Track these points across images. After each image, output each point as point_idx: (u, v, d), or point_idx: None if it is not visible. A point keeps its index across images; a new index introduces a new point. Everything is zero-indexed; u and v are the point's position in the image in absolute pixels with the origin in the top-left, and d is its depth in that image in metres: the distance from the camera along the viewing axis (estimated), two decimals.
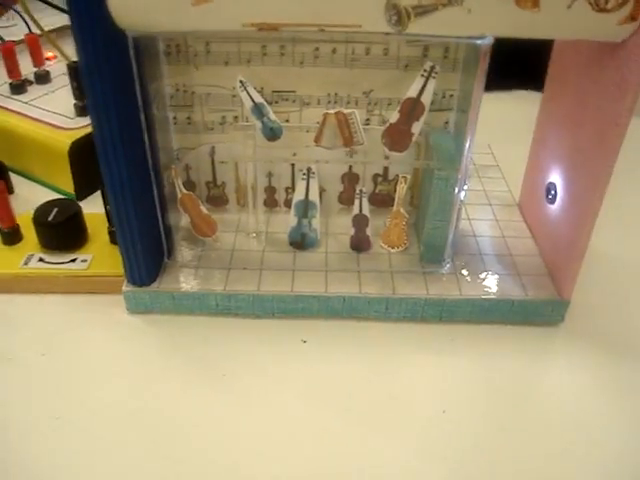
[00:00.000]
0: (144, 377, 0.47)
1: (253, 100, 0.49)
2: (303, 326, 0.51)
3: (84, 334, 0.50)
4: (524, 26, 0.38)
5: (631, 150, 0.45)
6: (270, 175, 0.56)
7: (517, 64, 0.81)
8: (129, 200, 0.47)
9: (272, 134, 0.50)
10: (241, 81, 0.48)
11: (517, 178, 0.61)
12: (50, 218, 0.53)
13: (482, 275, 0.52)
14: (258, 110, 0.49)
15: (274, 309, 0.51)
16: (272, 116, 0.49)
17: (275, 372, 0.47)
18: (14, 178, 0.67)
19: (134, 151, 0.46)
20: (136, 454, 0.41)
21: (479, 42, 0.41)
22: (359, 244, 0.54)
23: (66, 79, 0.70)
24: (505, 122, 0.76)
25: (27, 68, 0.75)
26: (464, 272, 0.53)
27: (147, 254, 0.50)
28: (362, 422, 0.44)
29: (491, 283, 0.52)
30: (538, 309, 0.51)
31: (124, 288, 0.51)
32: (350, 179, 0.56)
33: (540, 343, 0.50)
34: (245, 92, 0.48)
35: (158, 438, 0.42)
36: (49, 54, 0.79)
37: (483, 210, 0.60)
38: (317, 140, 0.49)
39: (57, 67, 0.77)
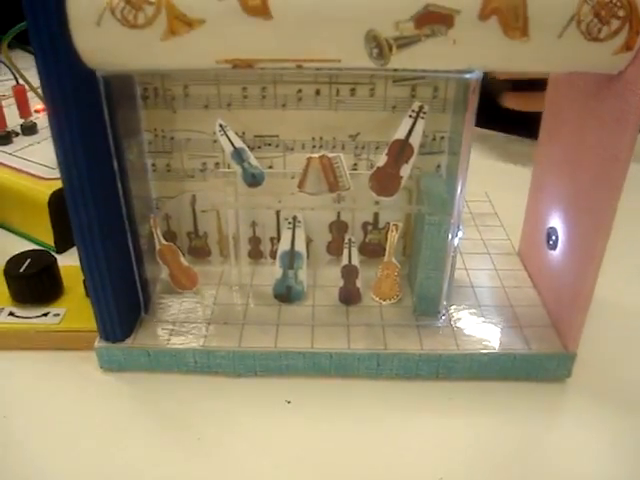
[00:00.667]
0: (114, 440, 0.43)
1: (233, 144, 0.46)
2: (288, 385, 0.47)
3: (52, 393, 0.46)
4: (513, 57, 0.36)
5: (633, 194, 0.42)
6: (254, 225, 0.54)
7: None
8: (100, 251, 0.44)
9: (253, 180, 0.47)
10: (220, 125, 0.46)
11: (516, 226, 0.58)
12: (22, 270, 0.50)
13: (481, 328, 0.49)
14: (238, 155, 0.46)
15: (256, 367, 0.47)
16: (253, 161, 0.47)
17: (256, 436, 0.43)
18: None
19: (106, 200, 0.44)
20: None
21: (467, 76, 0.39)
22: (348, 296, 0.51)
23: None
24: (503, 169, 0.74)
25: (15, 120, 0.74)
26: (461, 325, 0.49)
27: (121, 308, 0.47)
28: None
29: (491, 336, 0.48)
30: (542, 363, 0.47)
31: (96, 344, 0.48)
32: (338, 228, 0.53)
33: (546, 401, 0.46)
34: (225, 136, 0.46)
35: None
36: (38, 106, 0.78)
37: (481, 259, 0.57)
38: (300, 185, 0.46)
39: (45, 119, 0.75)
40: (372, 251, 0.54)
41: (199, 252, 0.55)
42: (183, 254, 0.51)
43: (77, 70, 0.38)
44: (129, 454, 0.42)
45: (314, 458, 0.42)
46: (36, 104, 0.77)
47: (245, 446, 0.42)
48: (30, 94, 0.74)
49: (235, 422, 0.44)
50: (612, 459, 0.42)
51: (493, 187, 0.69)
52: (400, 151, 0.44)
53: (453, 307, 0.51)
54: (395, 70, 0.38)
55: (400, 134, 0.44)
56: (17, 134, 0.73)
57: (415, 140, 0.44)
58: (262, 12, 0.35)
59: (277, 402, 0.46)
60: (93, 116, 0.41)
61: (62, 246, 0.62)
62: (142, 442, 0.43)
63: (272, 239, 0.54)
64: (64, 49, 0.36)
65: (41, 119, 0.76)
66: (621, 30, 0.35)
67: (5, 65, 0.83)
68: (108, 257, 0.44)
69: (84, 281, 0.52)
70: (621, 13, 0.34)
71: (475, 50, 0.36)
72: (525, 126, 0.72)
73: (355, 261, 0.50)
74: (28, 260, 0.51)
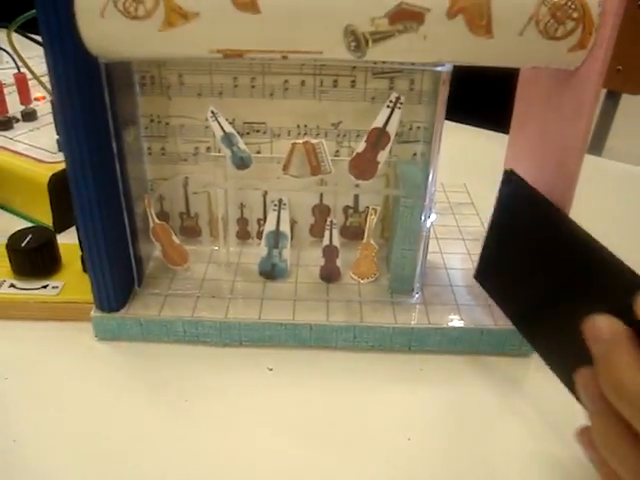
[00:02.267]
0: (107, 402, 0.46)
1: (223, 130, 0.50)
2: (270, 355, 0.50)
3: (50, 359, 0.50)
4: (479, 53, 0.40)
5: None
6: (242, 207, 0.57)
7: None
8: (99, 227, 0.47)
9: (242, 163, 0.50)
10: (212, 111, 0.49)
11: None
12: (23, 244, 0.54)
13: (452, 305, 0.52)
14: (228, 139, 0.50)
15: (241, 337, 0.51)
16: (242, 145, 0.50)
17: (239, 399, 0.47)
18: None
19: (105, 180, 0.47)
20: (92, 474, 0.41)
21: (438, 69, 0.43)
22: (329, 274, 0.54)
23: (52, 117, 0.72)
24: (481, 162, 0.77)
25: (15, 107, 0.77)
26: (434, 302, 0.53)
27: (116, 281, 0.50)
28: (326, 450, 0.43)
29: (461, 313, 0.52)
30: (508, 339, 0.50)
31: (92, 314, 0.51)
32: (321, 211, 0.57)
33: (510, 373, 0.50)
34: (216, 122, 0.50)
35: (116, 462, 0.42)
36: (38, 94, 0.81)
37: (455, 244, 0.61)
38: (285, 168, 0.49)
39: (44, 107, 0.79)
40: (352, 234, 0.58)
41: (190, 232, 0.59)
42: (175, 233, 0.54)
43: (81, 57, 0.41)
44: (121, 414, 0.45)
45: (292, 420, 0.45)
46: (36, 92, 0.80)
47: (229, 408, 0.46)
48: (31, 82, 0.77)
49: (220, 387, 0.48)
50: (571, 430, 0.45)
51: (471, 179, 0.73)
52: (378, 138, 0.48)
53: (426, 286, 0.54)
54: (375, 63, 0.41)
55: (378, 122, 0.48)
56: (17, 120, 0.76)
57: (392, 128, 0.47)
58: (251, 7, 0.38)
59: (260, 369, 0.49)
60: (95, 101, 0.44)
61: (60, 226, 0.65)
62: (133, 404, 0.46)
63: (259, 220, 0.58)
64: (70, 38, 0.40)
65: (41, 106, 0.79)
66: (575, 30, 0.38)
67: (7, 53, 0.86)
68: (106, 232, 0.48)
69: (81, 257, 0.55)
70: (575, 15, 0.38)
71: (444, 45, 0.40)
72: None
73: (336, 242, 0.53)
74: (29, 236, 0.55)
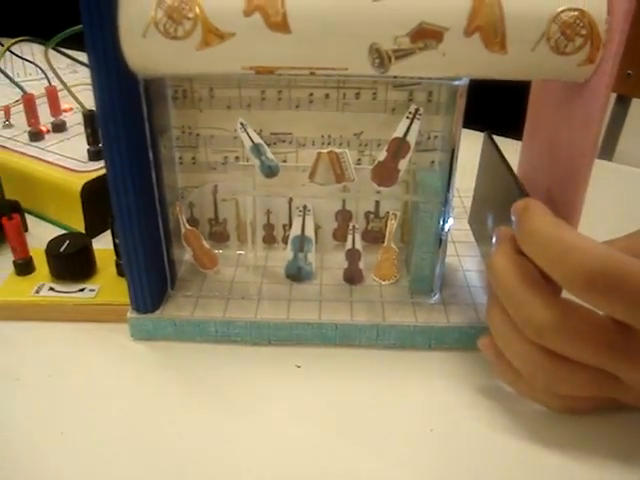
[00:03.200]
0: (144, 398, 0.49)
1: (252, 140, 0.53)
2: (298, 353, 0.53)
3: (89, 358, 0.53)
4: (494, 67, 0.43)
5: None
6: (269, 213, 0.60)
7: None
8: (137, 231, 0.50)
9: (270, 171, 0.53)
10: (241, 123, 0.52)
11: None
12: (62, 249, 0.57)
13: (469, 305, 0.55)
14: (257, 150, 0.53)
15: (270, 336, 0.53)
16: (270, 155, 0.53)
17: (269, 394, 0.49)
18: (29, 219, 0.71)
19: (143, 187, 0.50)
20: (135, 465, 0.44)
21: (456, 83, 0.45)
22: (352, 276, 0.57)
23: (80, 128, 0.75)
24: None
25: (46, 118, 0.80)
26: (452, 302, 0.55)
27: (152, 283, 0.53)
28: (351, 439, 0.46)
29: (478, 312, 0.54)
30: None
31: (129, 315, 0.54)
32: (344, 216, 0.60)
33: None
34: (245, 133, 0.52)
35: (155, 450, 0.45)
36: (66, 106, 0.84)
37: (472, 247, 0.63)
38: (311, 177, 0.52)
39: (73, 118, 0.82)
40: (374, 238, 0.61)
41: (219, 237, 0.62)
42: (204, 238, 0.57)
43: (123, 74, 0.44)
44: (158, 407, 0.48)
45: (320, 413, 0.48)
46: (64, 104, 0.84)
47: (259, 403, 0.49)
48: (59, 94, 0.80)
49: (251, 383, 0.50)
50: (584, 420, 0.48)
51: None
52: (398, 148, 0.51)
53: (445, 287, 0.57)
54: (394, 77, 0.44)
55: (398, 133, 0.50)
56: (48, 131, 0.79)
57: (411, 138, 0.50)
58: (282, 27, 0.41)
59: (288, 366, 0.52)
60: (134, 114, 0.47)
61: (92, 232, 0.68)
62: (170, 398, 0.49)
63: (284, 226, 0.61)
64: (114, 56, 0.43)
65: (69, 117, 0.82)
66: (584, 46, 0.41)
67: (37, 67, 0.90)
68: (143, 238, 0.51)
69: (116, 262, 0.59)
70: (583, 32, 0.41)
71: (461, 61, 0.42)
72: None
73: (358, 245, 0.56)
74: (67, 241, 0.58)
